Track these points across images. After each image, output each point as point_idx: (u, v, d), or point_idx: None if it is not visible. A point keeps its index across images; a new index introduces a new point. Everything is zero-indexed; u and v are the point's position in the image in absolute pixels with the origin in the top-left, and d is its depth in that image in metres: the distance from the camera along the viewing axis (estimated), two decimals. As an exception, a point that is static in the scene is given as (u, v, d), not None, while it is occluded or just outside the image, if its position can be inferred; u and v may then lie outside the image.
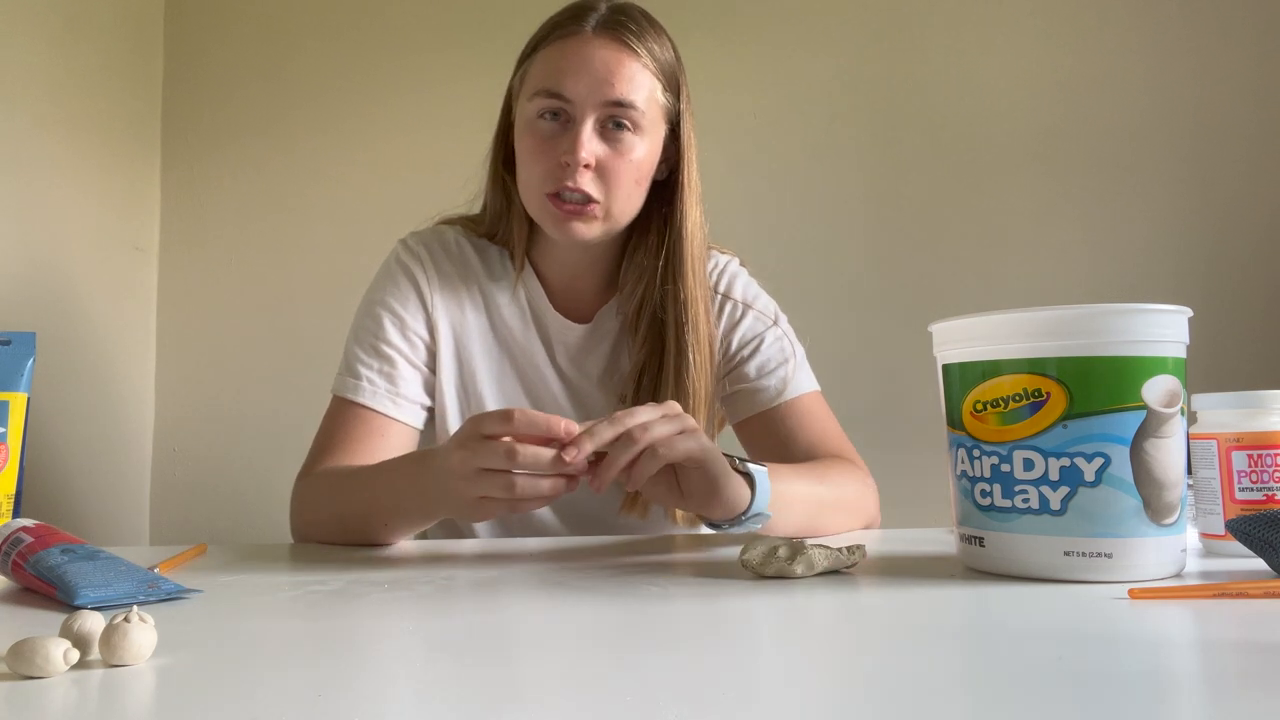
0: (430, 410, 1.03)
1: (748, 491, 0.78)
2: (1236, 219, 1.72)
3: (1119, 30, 1.75)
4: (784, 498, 0.82)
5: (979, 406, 0.64)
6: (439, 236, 1.07)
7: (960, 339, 0.67)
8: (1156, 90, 1.74)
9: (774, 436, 1.02)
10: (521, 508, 0.73)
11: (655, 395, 0.99)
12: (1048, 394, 0.61)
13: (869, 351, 1.74)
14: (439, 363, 1.03)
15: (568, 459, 0.69)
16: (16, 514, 0.83)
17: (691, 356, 0.98)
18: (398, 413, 0.99)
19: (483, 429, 0.71)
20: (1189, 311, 0.64)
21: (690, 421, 0.75)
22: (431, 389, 1.03)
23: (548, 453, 0.69)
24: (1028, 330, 0.63)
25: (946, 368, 0.68)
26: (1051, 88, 1.76)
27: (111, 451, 1.67)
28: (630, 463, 0.72)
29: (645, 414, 0.73)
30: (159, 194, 1.82)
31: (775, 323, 1.08)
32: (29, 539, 0.63)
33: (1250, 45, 1.73)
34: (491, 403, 1.03)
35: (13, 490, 0.83)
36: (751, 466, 0.79)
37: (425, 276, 1.03)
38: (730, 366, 1.06)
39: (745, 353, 1.05)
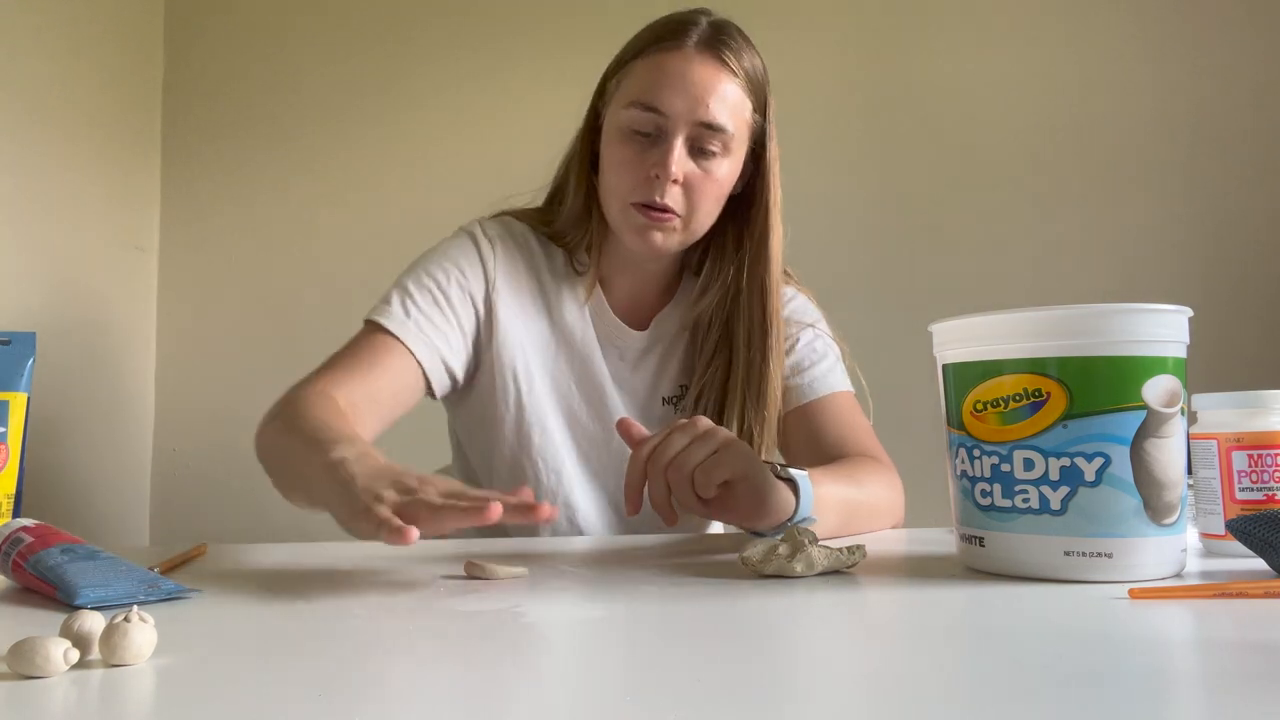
0: (453, 376, 0.99)
1: (792, 498, 0.79)
2: (1236, 219, 1.71)
3: (1119, 31, 1.75)
4: (822, 501, 0.82)
5: (979, 406, 0.64)
6: (508, 227, 1.06)
7: (960, 339, 0.67)
8: (1156, 90, 1.74)
9: (803, 431, 1.03)
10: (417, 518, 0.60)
11: (721, 415, 1.01)
12: (1048, 394, 0.61)
13: (868, 351, 1.73)
14: (496, 346, 1.01)
15: (488, 511, 0.58)
16: (16, 514, 0.83)
17: (773, 380, 1.00)
18: (414, 345, 0.94)
19: (405, 482, 0.63)
20: (1189, 311, 0.64)
21: (724, 435, 0.76)
22: (466, 358, 1.00)
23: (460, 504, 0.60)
24: (1028, 330, 0.63)
25: (946, 368, 0.68)
26: (1051, 88, 1.76)
27: (111, 451, 1.67)
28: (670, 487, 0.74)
29: (678, 441, 0.74)
30: (159, 194, 1.82)
31: (811, 325, 1.10)
32: (29, 539, 0.63)
33: (1250, 45, 1.73)
34: (546, 395, 1.02)
35: (13, 490, 0.83)
36: (793, 472, 0.80)
37: (494, 260, 1.02)
38: None
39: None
